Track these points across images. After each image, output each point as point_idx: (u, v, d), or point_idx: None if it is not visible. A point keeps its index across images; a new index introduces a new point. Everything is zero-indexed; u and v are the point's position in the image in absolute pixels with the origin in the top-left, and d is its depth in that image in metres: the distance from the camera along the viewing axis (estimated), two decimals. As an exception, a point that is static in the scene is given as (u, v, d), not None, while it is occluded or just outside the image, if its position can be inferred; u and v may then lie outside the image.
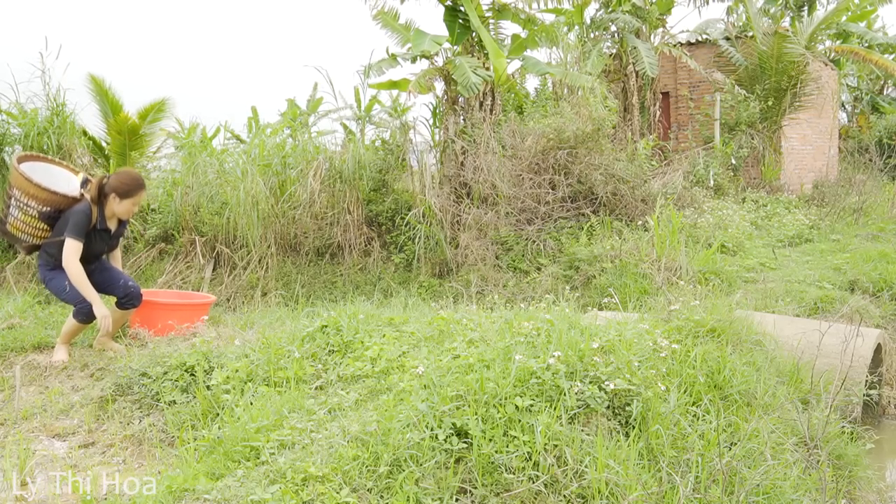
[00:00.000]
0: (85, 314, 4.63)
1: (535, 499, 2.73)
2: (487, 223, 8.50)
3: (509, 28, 10.31)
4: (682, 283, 5.74)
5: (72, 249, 4.49)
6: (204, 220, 8.99)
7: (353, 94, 17.24)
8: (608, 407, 3.13)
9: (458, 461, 2.79)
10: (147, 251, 9.17)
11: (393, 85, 10.32)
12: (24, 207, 4.51)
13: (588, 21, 13.32)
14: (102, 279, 4.85)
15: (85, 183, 4.67)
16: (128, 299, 4.89)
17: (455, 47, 10.09)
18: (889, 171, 14.38)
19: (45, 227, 4.63)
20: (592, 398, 3.09)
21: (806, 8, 15.47)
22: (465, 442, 2.83)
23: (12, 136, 9.05)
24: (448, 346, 3.73)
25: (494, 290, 7.31)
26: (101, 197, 4.64)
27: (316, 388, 3.81)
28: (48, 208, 4.55)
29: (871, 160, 14.51)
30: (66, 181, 4.64)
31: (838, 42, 16.06)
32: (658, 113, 13.78)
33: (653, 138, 11.72)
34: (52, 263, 4.70)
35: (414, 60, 10.09)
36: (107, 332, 4.74)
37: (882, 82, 20.55)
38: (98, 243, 4.75)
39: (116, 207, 4.68)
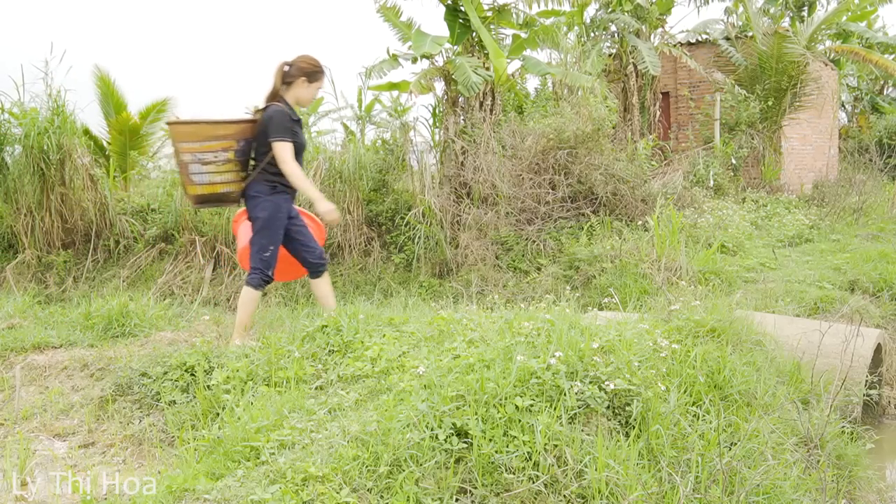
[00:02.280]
0: (264, 280, 4.38)
1: (535, 499, 2.73)
2: (487, 223, 8.49)
3: (509, 28, 10.32)
4: (682, 283, 5.74)
5: (285, 151, 4.14)
6: (204, 220, 8.99)
7: (356, 95, 17.23)
8: (608, 407, 3.13)
9: (458, 461, 2.79)
10: (147, 251, 9.17)
11: (393, 86, 10.32)
12: (214, 159, 4.14)
13: (588, 21, 13.32)
14: (294, 248, 4.53)
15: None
16: (320, 267, 4.61)
17: (455, 47, 10.09)
18: (889, 171, 14.38)
19: (242, 163, 4.26)
20: (592, 398, 3.09)
21: (806, 8, 15.47)
22: (465, 442, 2.83)
23: (13, 136, 9.05)
24: (448, 346, 3.73)
25: (494, 290, 7.31)
26: (283, 85, 4.30)
27: (316, 388, 3.81)
28: (241, 142, 4.22)
29: (871, 160, 14.51)
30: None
31: (838, 42, 16.06)
32: (658, 113, 13.78)
33: (653, 138, 11.72)
34: (274, 184, 4.28)
35: (414, 61, 10.09)
36: (335, 221, 4.44)
37: (882, 82, 20.55)
38: (300, 135, 4.36)
39: (302, 93, 4.35)
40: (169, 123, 4.34)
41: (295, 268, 4.84)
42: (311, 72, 4.38)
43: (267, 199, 4.31)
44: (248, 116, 4.32)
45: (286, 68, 4.34)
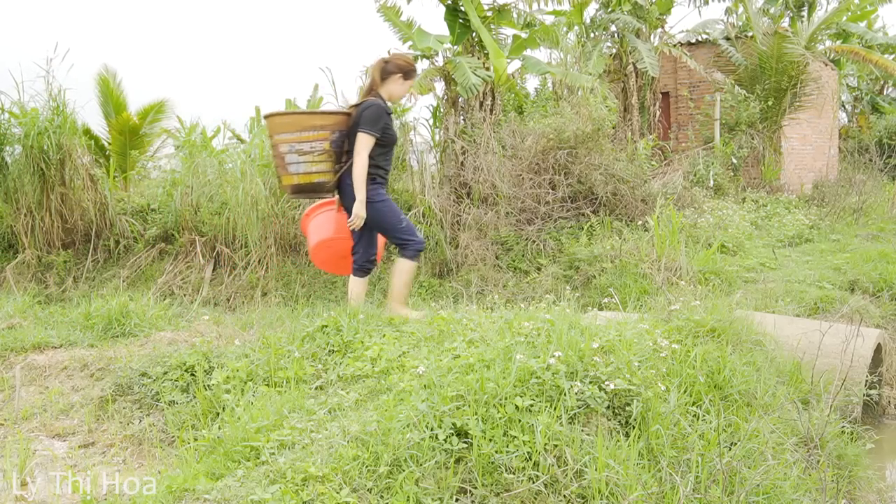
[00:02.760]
0: (417, 248, 4.49)
1: (535, 499, 2.73)
2: (487, 223, 8.49)
3: (509, 28, 10.32)
4: (682, 283, 5.74)
5: (365, 143, 4.26)
6: (204, 220, 8.99)
7: (358, 95, 17.23)
8: (608, 407, 3.13)
9: (458, 461, 2.79)
10: (147, 251, 9.17)
11: (393, 84, 10.33)
12: (310, 149, 4.24)
13: (588, 21, 13.32)
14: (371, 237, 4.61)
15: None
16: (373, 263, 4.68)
17: (455, 47, 10.09)
18: (889, 171, 14.38)
19: (337, 154, 4.37)
20: (592, 398, 3.09)
21: (806, 8, 15.47)
22: (465, 442, 2.83)
23: (13, 136, 9.05)
24: (448, 346, 3.73)
25: (494, 290, 7.31)
26: (381, 80, 4.44)
27: (316, 388, 3.81)
28: (336, 133, 4.31)
29: (871, 160, 14.51)
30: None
31: (838, 42, 16.06)
32: (658, 113, 13.78)
33: (653, 138, 11.72)
34: (372, 175, 4.40)
35: (415, 61, 10.10)
36: (356, 226, 4.42)
37: (882, 82, 20.55)
38: (392, 129, 4.51)
39: (396, 89, 4.47)
40: (267, 115, 4.40)
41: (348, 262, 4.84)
42: (407, 70, 4.53)
43: (376, 189, 4.42)
44: (345, 109, 4.43)
45: (385, 64, 4.45)
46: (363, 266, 4.75)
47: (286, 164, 4.31)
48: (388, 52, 4.59)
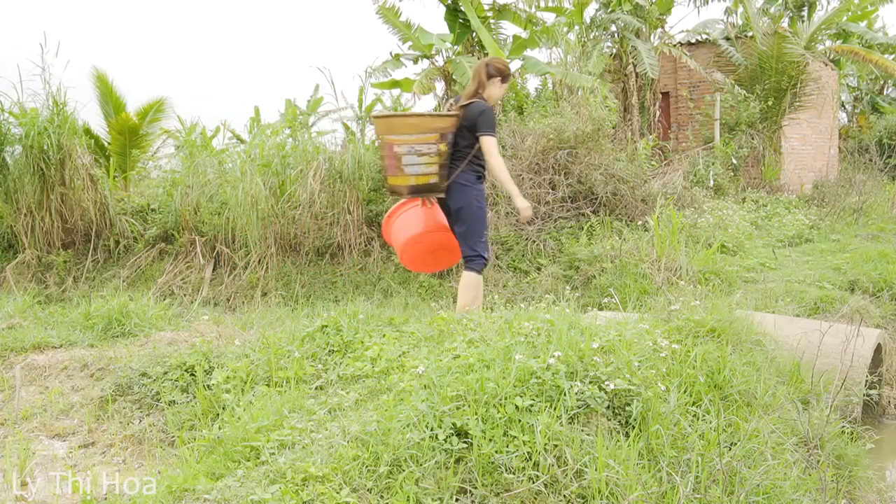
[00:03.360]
0: (484, 264, 4.54)
1: (535, 499, 2.73)
2: (487, 223, 8.50)
3: (509, 28, 10.33)
4: (682, 283, 5.74)
5: (493, 145, 4.38)
6: (204, 220, 9.00)
7: (357, 95, 17.24)
8: (608, 407, 3.13)
9: (458, 461, 2.79)
10: (147, 251, 9.17)
11: (395, 84, 10.33)
12: (428, 150, 4.31)
13: (588, 21, 13.32)
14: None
15: (451, 106, 4.61)
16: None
17: (455, 47, 10.10)
18: (889, 171, 14.38)
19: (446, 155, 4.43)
20: (592, 398, 3.09)
21: (806, 8, 15.47)
22: (465, 442, 2.83)
23: (13, 136, 9.05)
24: (448, 346, 3.73)
25: (494, 290, 7.31)
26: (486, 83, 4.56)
27: (316, 388, 3.81)
28: (449, 135, 4.38)
29: (871, 160, 14.51)
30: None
31: (838, 42, 16.06)
32: (658, 113, 13.78)
33: (653, 138, 11.72)
34: (479, 175, 4.54)
35: (416, 61, 10.11)
36: (528, 217, 4.61)
37: (882, 82, 20.55)
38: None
39: (495, 91, 4.58)
40: (385, 116, 4.46)
41: (451, 255, 4.91)
42: (506, 73, 4.67)
43: (475, 188, 4.53)
44: (450, 111, 4.50)
45: (487, 68, 4.56)
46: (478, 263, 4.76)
47: (402, 165, 4.34)
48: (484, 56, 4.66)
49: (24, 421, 4.01)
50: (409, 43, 10.05)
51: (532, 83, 15.91)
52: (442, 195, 4.54)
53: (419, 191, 4.46)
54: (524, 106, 11.57)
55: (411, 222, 4.76)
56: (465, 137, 4.48)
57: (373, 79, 9.99)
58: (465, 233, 4.57)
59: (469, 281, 4.57)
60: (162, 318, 6.00)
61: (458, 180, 4.49)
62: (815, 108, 14.22)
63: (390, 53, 10.17)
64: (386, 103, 18.05)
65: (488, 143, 4.37)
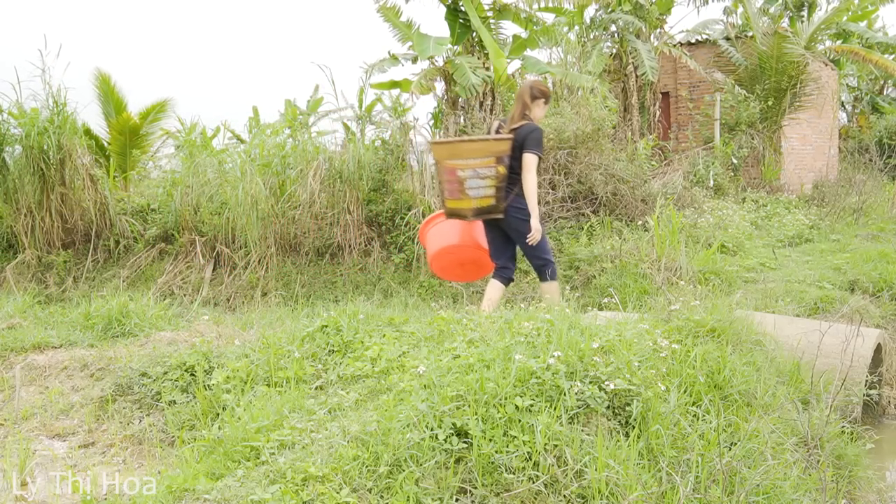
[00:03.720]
0: (555, 270, 4.79)
1: (535, 499, 2.73)
2: (487, 223, 8.49)
3: (510, 28, 10.33)
4: (682, 283, 5.74)
5: (534, 163, 4.55)
6: (204, 220, 9.00)
7: (357, 95, 17.24)
8: (608, 407, 3.13)
9: (458, 461, 2.79)
10: (147, 251, 9.17)
11: (394, 84, 10.33)
12: (489, 173, 4.46)
13: (588, 21, 13.31)
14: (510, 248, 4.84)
15: (499, 128, 4.78)
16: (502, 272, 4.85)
17: (455, 47, 10.10)
18: (889, 171, 14.37)
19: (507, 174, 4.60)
20: (592, 398, 3.09)
21: (806, 8, 15.47)
22: (465, 442, 2.83)
23: (13, 137, 9.05)
24: (448, 346, 3.73)
25: (494, 290, 7.30)
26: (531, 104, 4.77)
27: (316, 388, 3.81)
28: (506, 156, 4.53)
29: (871, 160, 14.51)
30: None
31: (838, 42, 16.06)
32: (658, 113, 13.78)
33: (653, 138, 11.71)
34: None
35: (415, 60, 10.10)
36: (536, 234, 4.66)
37: (882, 82, 20.55)
38: None
39: (538, 112, 4.78)
40: (454, 141, 4.59)
41: (478, 271, 5.10)
42: (548, 94, 4.93)
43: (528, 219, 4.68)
44: (508, 135, 4.65)
45: (531, 90, 4.78)
46: (508, 276, 4.92)
47: (466, 189, 4.47)
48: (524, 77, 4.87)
49: (24, 421, 4.02)
50: (409, 43, 10.05)
51: (532, 83, 15.91)
52: (501, 216, 4.66)
53: (482, 213, 4.59)
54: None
55: (448, 232, 4.91)
56: (517, 159, 4.64)
57: (371, 77, 9.99)
58: (528, 247, 4.74)
59: (548, 287, 4.79)
60: (162, 318, 6.00)
61: (516, 203, 4.65)
62: (815, 108, 14.21)
63: (388, 52, 10.16)
64: (386, 103, 18.05)
65: (529, 160, 4.55)
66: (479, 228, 4.92)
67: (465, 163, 4.44)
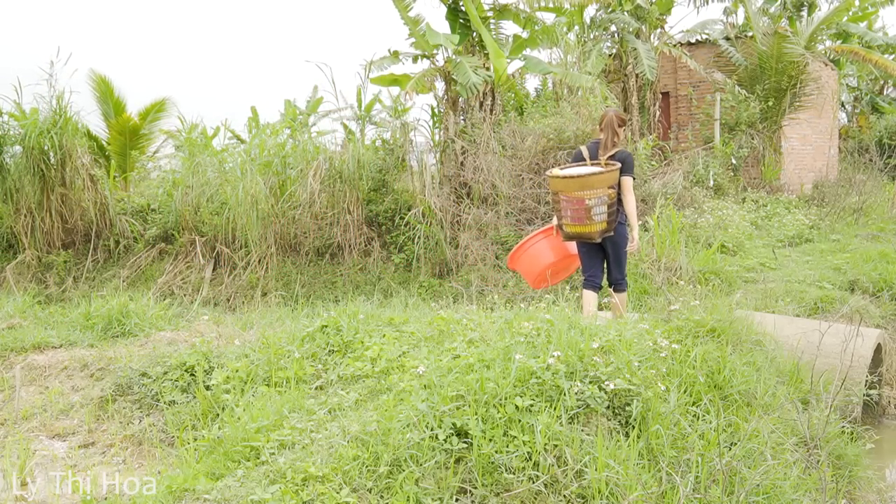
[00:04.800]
0: (626, 284, 5.25)
1: (535, 499, 2.73)
2: (487, 223, 8.49)
3: (510, 28, 10.33)
4: (682, 283, 5.74)
5: (631, 185, 5.07)
6: (204, 220, 8.99)
7: (356, 95, 17.22)
8: (608, 407, 3.13)
9: (458, 461, 2.79)
10: (147, 251, 9.17)
11: (394, 80, 10.29)
12: (608, 199, 4.95)
13: (588, 21, 13.30)
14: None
15: (596, 151, 5.22)
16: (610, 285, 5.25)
17: (456, 47, 10.08)
18: (889, 171, 14.37)
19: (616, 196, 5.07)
20: (592, 398, 3.09)
21: (806, 8, 15.46)
22: (465, 442, 2.83)
23: (13, 137, 9.06)
24: (448, 346, 3.73)
25: (494, 290, 7.31)
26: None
27: (316, 388, 3.81)
28: (616, 183, 5.00)
29: (871, 160, 14.50)
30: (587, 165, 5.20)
31: (838, 42, 16.04)
32: (658, 113, 13.76)
33: (653, 138, 11.71)
34: (624, 217, 5.13)
35: (415, 60, 10.09)
36: (637, 244, 5.12)
37: (882, 82, 20.54)
38: None
39: (622, 136, 5.22)
40: (586, 175, 4.98)
41: (566, 271, 5.72)
42: (627, 120, 5.58)
43: (626, 226, 5.15)
44: (613, 165, 5.09)
45: (616, 118, 5.19)
46: (597, 284, 5.25)
47: (593, 215, 4.97)
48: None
49: (24, 421, 4.02)
50: (412, 40, 10.04)
51: (532, 83, 15.90)
52: (611, 234, 5.11)
53: (604, 233, 5.04)
54: (524, 106, 11.57)
55: (542, 252, 5.48)
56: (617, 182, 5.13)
57: (372, 73, 9.96)
58: (620, 261, 5.19)
59: (623, 298, 5.24)
60: (162, 318, 6.00)
61: (619, 221, 5.13)
62: (815, 108, 14.20)
63: (389, 50, 10.14)
64: (385, 102, 18.03)
65: (627, 183, 5.02)
66: (559, 240, 5.41)
67: (592, 192, 4.93)
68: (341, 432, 2.97)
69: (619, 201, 5.04)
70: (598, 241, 5.09)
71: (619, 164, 4.99)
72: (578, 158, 5.30)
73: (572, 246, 5.38)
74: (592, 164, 5.13)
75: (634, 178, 5.20)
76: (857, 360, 4.38)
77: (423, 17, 10.04)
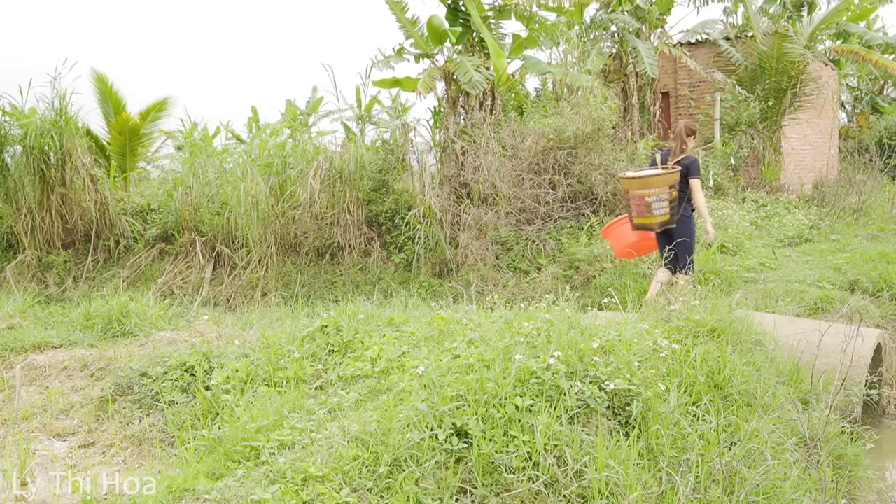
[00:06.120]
0: (693, 266, 5.94)
1: (535, 499, 2.73)
2: (487, 223, 8.49)
3: (510, 28, 10.32)
4: (682, 283, 5.74)
5: (699, 186, 5.94)
6: (204, 220, 8.99)
7: (355, 94, 17.21)
8: (608, 407, 3.13)
9: (458, 461, 2.79)
10: (147, 251, 9.17)
11: (395, 83, 10.29)
12: (668, 197, 5.79)
13: (588, 21, 13.30)
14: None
15: (664, 157, 6.09)
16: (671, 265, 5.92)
17: (457, 47, 10.08)
18: (889, 171, 14.36)
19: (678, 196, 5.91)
20: (592, 398, 3.09)
21: (805, 8, 15.45)
22: (465, 442, 2.83)
23: (13, 137, 9.06)
24: (448, 346, 3.73)
25: (494, 290, 7.31)
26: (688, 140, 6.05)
27: (316, 388, 3.81)
28: (676, 183, 5.81)
29: (871, 160, 14.49)
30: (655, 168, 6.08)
31: (838, 42, 16.04)
32: (658, 113, 13.76)
33: (653, 138, 11.71)
34: (692, 209, 5.96)
35: (417, 59, 10.09)
36: (711, 235, 5.97)
37: (882, 82, 20.53)
38: None
39: (691, 145, 6.03)
40: (646, 176, 5.88)
41: (646, 249, 6.56)
42: (696, 131, 6.22)
43: (690, 218, 6.00)
44: (677, 168, 5.94)
45: (686, 129, 6.02)
46: (669, 266, 5.91)
47: (652, 210, 5.87)
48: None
49: (24, 421, 4.01)
50: (412, 40, 10.03)
51: (532, 83, 15.91)
52: (673, 226, 5.95)
53: (663, 225, 5.90)
54: (524, 106, 11.57)
55: (628, 232, 6.35)
56: (684, 183, 5.92)
57: (375, 71, 9.96)
58: (681, 248, 5.84)
59: (687, 278, 5.91)
60: (162, 318, 6.00)
61: (682, 214, 5.94)
62: (815, 108, 14.19)
63: (393, 49, 10.14)
64: (385, 103, 18.03)
65: (696, 184, 5.92)
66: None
67: (651, 191, 5.82)
68: (341, 432, 2.97)
69: (681, 198, 5.88)
70: (659, 230, 5.95)
71: (679, 168, 5.83)
72: (653, 164, 6.19)
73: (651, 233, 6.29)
74: (661, 168, 6.01)
75: (701, 180, 6.08)
76: (857, 360, 4.38)
77: (420, 19, 10.04)
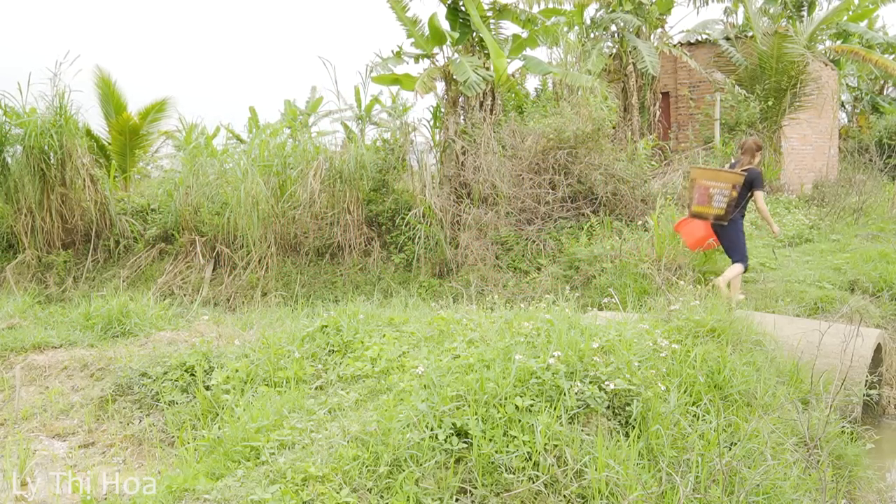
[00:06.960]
0: (746, 265, 6.43)
1: (535, 499, 2.73)
2: (487, 223, 8.49)
3: (510, 28, 10.30)
4: (682, 283, 5.74)
5: (763, 197, 6.52)
6: (204, 220, 8.99)
7: (354, 95, 17.21)
8: (608, 407, 3.13)
9: (458, 461, 2.79)
10: (147, 251, 9.17)
11: (395, 80, 10.29)
12: (727, 194, 6.30)
13: (588, 21, 13.30)
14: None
15: (732, 164, 6.69)
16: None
17: (456, 46, 10.08)
18: (889, 171, 14.36)
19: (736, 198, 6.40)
20: (592, 398, 3.09)
21: (805, 8, 15.45)
22: (465, 442, 2.83)
23: (14, 137, 9.05)
24: (448, 346, 3.73)
25: (494, 290, 7.31)
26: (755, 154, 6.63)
27: (316, 388, 3.81)
28: (738, 186, 6.32)
29: (871, 160, 14.48)
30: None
31: (838, 42, 16.03)
32: (658, 113, 13.76)
33: (653, 138, 11.70)
34: (744, 215, 6.63)
35: (417, 60, 10.09)
36: (779, 233, 7.00)
37: (882, 82, 20.53)
38: None
39: (758, 159, 6.58)
40: (717, 171, 6.56)
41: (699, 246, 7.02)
42: (763, 147, 6.75)
43: (740, 222, 6.54)
44: (743, 173, 6.46)
45: (753, 145, 6.58)
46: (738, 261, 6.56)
47: (712, 202, 6.38)
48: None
49: (24, 421, 4.02)
50: (412, 40, 10.03)
51: (532, 83, 15.89)
52: (725, 223, 6.44)
53: (717, 218, 6.39)
54: (524, 106, 11.57)
55: (698, 226, 6.71)
56: (746, 189, 6.43)
57: (374, 72, 9.95)
58: (732, 245, 6.47)
59: (737, 271, 6.38)
60: (162, 318, 6.00)
61: (734, 217, 6.45)
62: (815, 108, 14.19)
63: (392, 51, 10.14)
64: (385, 103, 18.04)
65: (759, 196, 6.48)
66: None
67: (716, 184, 6.36)
68: (341, 432, 2.97)
69: (738, 202, 6.36)
70: (711, 222, 6.44)
71: (745, 173, 6.36)
72: (730, 166, 6.74)
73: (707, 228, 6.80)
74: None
75: (765, 191, 7.04)
76: (857, 360, 4.38)
77: (421, 18, 10.04)
